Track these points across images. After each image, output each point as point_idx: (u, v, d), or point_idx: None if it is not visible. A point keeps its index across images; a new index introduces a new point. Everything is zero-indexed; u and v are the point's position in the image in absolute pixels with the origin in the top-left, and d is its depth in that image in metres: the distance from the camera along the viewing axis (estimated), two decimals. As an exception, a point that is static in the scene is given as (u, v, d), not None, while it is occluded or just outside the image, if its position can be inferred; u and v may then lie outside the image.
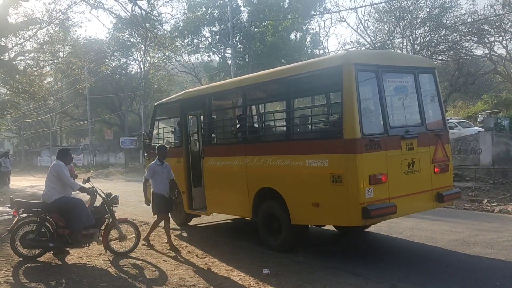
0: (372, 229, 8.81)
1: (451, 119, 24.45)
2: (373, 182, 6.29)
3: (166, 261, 7.31)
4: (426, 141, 7.08)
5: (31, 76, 23.69)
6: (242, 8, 36.54)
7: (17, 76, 22.58)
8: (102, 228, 7.50)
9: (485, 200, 12.36)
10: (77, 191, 7.44)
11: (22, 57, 26.03)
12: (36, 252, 7.27)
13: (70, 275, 6.47)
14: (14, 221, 7.23)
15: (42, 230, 7.14)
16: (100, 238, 7.50)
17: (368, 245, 8.24)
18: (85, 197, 7.59)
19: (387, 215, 6.52)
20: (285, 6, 34.57)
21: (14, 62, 23.82)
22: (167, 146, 8.71)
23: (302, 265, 6.82)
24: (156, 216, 8.39)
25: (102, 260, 7.38)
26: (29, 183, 23.28)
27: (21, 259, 7.22)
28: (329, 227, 8.80)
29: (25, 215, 7.24)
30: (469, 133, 20.34)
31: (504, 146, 17.09)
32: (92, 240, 7.40)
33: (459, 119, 27.45)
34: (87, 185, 7.46)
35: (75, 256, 7.57)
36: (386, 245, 8.10)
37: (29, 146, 62.82)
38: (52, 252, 7.44)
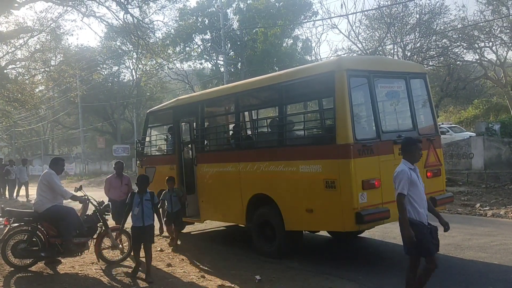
0: (366, 234, 8.81)
1: (442, 124, 24.60)
2: (366, 187, 6.30)
3: (159, 269, 7.25)
4: (418, 146, 7.10)
5: (22, 85, 23.55)
6: (232, 16, 36.68)
7: (8, 85, 22.44)
8: (95, 236, 7.43)
9: (478, 204, 12.43)
10: (69, 200, 7.38)
11: (13, 66, 25.93)
12: (28, 262, 7.19)
13: (62, 285, 6.40)
14: (5, 231, 7.16)
15: (34, 239, 7.07)
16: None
17: (362, 250, 8.24)
18: (77, 205, 7.54)
19: (381, 220, 6.52)
20: (275, 13, 34.64)
21: (5, 71, 23.70)
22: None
23: (296, 271, 6.80)
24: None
25: (95, 269, 7.31)
26: (21, 192, 22.97)
27: (12, 269, 7.13)
28: (323, 232, 8.79)
29: (16, 224, 7.17)
30: (461, 138, 20.48)
31: (495, 150, 17.22)
32: (84, 249, 7.33)
33: (451, 124, 27.64)
34: (79, 194, 7.40)
35: (67, 265, 7.49)
36: (380, 250, 8.10)
37: (21, 155, 62.31)
38: (44, 261, 7.36)
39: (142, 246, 6.67)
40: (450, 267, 6.72)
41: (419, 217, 4.84)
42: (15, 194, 20.80)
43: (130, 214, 6.56)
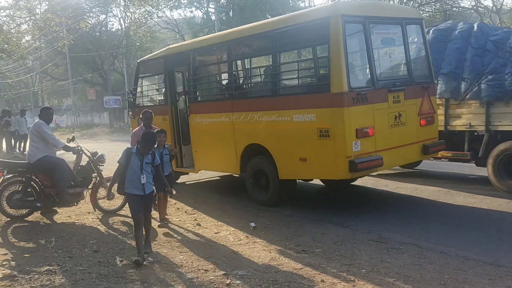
0: (358, 182, 8.93)
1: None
2: (360, 135, 6.31)
3: (154, 218, 7.34)
4: (413, 93, 7.08)
5: (8, 34, 22.84)
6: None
7: (-8, 34, 21.75)
8: (90, 187, 7.47)
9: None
10: (63, 151, 7.36)
11: (-2, 14, 25.02)
12: (24, 212, 7.26)
13: (60, 234, 6.49)
14: (-1, 182, 7.16)
15: (29, 190, 7.10)
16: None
17: (355, 198, 8.39)
18: (72, 157, 7.52)
19: (374, 167, 6.59)
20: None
21: (-11, 20, 22.91)
22: None
23: (290, 218, 6.94)
24: None
25: (91, 218, 7.41)
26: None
27: (8, 219, 7.20)
28: (317, 181, 8.90)
29: (10, 175, 7.17)
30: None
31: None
32: (80, 199, 7.39)
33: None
34: (72, 144, 7.35)
35: (63, 215, 7.58)
36: (372, 198, 8.25)
37: (10, 107, 61.61)
38: (40, 211, 7.42)
39: None
40: (440, 212, 6.88)
41: None
42: (17, 147, 20.13)
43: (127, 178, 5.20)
